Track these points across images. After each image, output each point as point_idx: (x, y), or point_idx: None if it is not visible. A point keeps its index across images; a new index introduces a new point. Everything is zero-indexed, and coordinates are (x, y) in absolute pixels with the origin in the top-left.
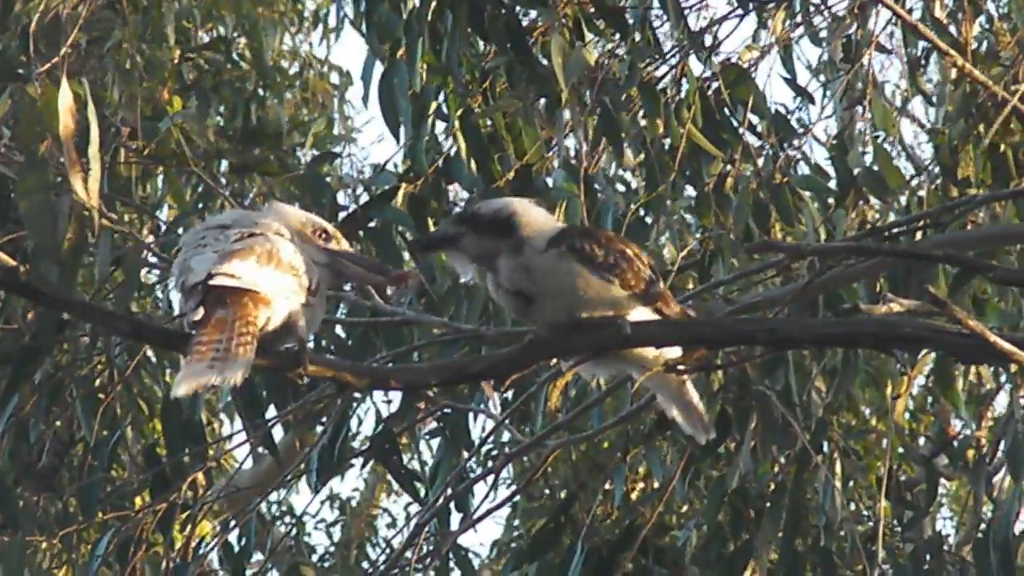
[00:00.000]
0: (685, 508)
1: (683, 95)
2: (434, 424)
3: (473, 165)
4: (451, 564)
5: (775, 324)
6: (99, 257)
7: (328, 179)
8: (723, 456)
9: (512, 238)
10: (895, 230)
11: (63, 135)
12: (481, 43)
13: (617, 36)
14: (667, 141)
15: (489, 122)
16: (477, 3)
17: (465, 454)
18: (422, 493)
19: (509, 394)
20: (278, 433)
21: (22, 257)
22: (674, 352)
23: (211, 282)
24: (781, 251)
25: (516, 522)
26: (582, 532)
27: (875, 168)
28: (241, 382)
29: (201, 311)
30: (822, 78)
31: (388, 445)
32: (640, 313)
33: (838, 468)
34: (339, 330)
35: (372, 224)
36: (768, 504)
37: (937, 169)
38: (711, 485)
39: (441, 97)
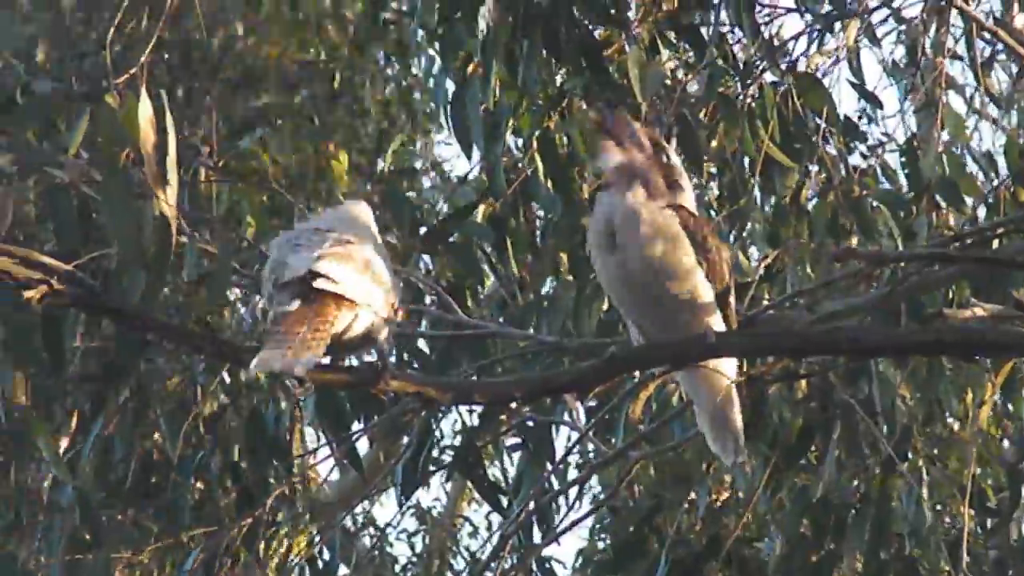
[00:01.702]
0: (768, 517)
1: (757, 107)
2: (516, 439)
3: (550, 184)
4: None
5: (858, 333)
6: (187, 262)
7: (409, 195)
8: (806, 467)
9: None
10: (982, 236)
11: (143, 144)
12: (555, 63)
13: (691, 52)
14: (736, 151)
15: (566, 140)
16: (552, 25)
17: (548, 466)
18: (505, 504)
19: (593, 403)
20: (362, 446)
21: (102, 277)
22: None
23: (314, 283)
24: (862, 259)
25: (602, 533)
26: (666, 543)
27: (948, 176)
28: (303, 373)
29: (297, 303)
30: (893, 82)
31: (471, 458)
32: (716, 321)
33: (924, 476)
34: (421, 344)
35: (452, 239)
36: (853, 513)
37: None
38: (793, 495)
39: (516, 115)
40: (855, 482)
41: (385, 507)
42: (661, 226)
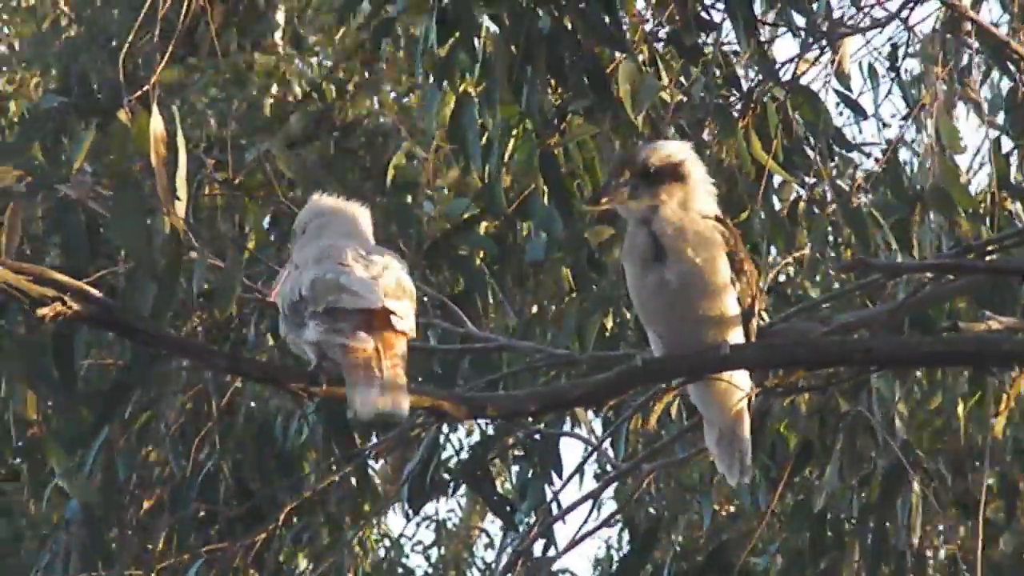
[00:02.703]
0: (768, 528)
1: (754, 122)
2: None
3: (546, 200)
4: None
5: (872, 344)
6: (196, 276)
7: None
8: (806, 481)
9: (682, 183)
10: (989, 247)
11: (154, 160)
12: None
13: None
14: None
15: (565, 157)
16: (556, 50)
17: (556, 479)
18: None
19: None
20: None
21: (109, 292)
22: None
23: (393, 322)
24: (877, 269)
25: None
26: (669, 557)
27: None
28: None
29: (368, 339)
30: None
31: (479, 472)
32: (736, 335)
33: (917, 489)
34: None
35: (458, 252)
36: (853, 526)
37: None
38: (792, 509)
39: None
40: (856, 496)
41: (399, 516)
42: (707, 239)
